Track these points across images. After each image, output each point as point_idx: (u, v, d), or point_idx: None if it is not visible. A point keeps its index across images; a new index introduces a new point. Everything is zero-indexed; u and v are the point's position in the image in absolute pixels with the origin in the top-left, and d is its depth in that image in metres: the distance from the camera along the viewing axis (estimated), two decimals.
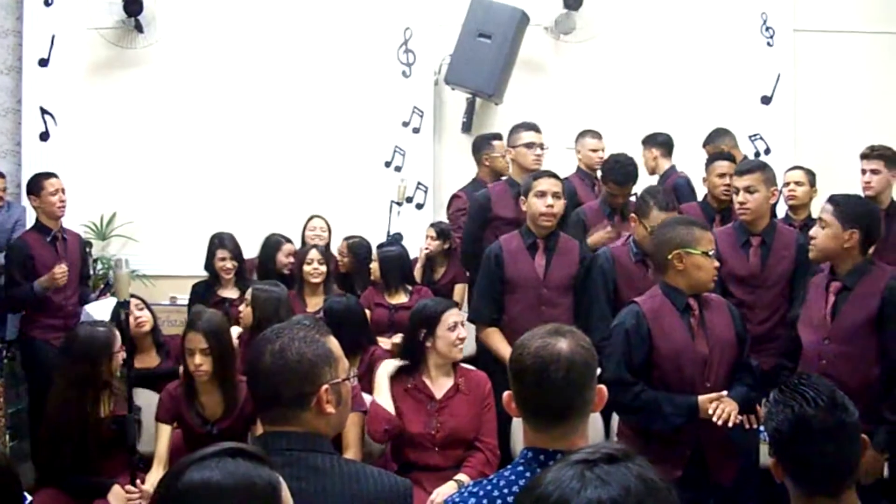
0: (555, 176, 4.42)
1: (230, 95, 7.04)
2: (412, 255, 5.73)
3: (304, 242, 5.94)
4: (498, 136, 5.83)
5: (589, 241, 4.82)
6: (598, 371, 3.90)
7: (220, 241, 5.32)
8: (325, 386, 1.94)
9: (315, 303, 5.10)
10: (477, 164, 5.99)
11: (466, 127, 7.01)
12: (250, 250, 5.71)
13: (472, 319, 4.49)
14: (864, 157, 4.83)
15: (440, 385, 3.76)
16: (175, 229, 6.88)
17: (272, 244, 5.60)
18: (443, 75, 6.92)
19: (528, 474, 1.92)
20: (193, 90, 7.05)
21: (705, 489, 3.40)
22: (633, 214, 4.30)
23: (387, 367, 3.85)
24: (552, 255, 4.37)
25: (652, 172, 5.95)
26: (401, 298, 5.21)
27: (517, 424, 3.60)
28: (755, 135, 6.93)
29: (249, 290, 4.49)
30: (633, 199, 5.00)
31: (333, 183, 6.96)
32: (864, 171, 4.81)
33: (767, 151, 6.87)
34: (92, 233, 6.71)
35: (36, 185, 5.30)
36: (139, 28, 6.89)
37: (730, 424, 3.30)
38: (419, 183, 6.97)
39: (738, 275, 4.15)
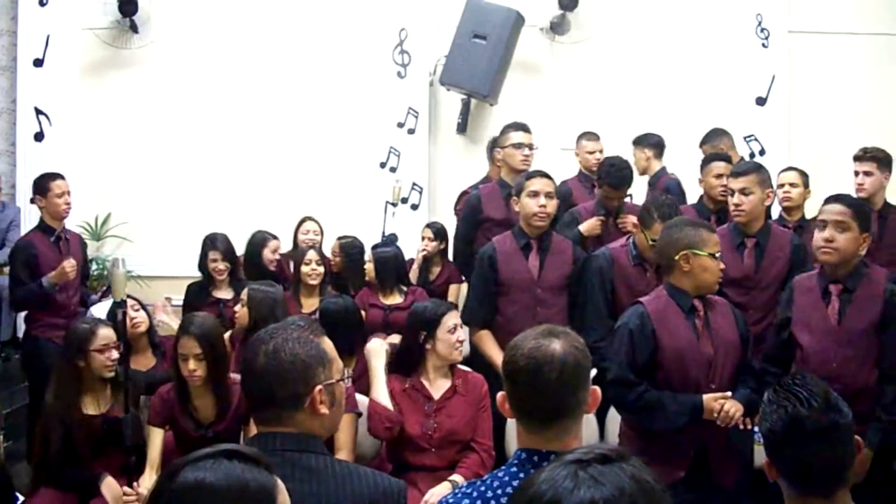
0: (547, 176, 4.41)
1: (225, 96, 7.05)
2: (408, 256, 5.73)
3: (296, 244, 5.94)
4: None
5: (581, 228, 4.82)
6: (595, 372, 3.94)
7: (213, 243, 5.31)
8: (319, 387, 1.94)
9: (311, 304, 5.10)
10: (490, 162, 5.99)
11: (461, 128, 7.03)
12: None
13: (466, 321, 4.48)
14: (857, 158, 4.84)
15: (438, 386, 3.76)
16: (170, 230, 6.88)
17: (258, 241, 5.62)
18: (438, 76, 6.93)
19: (521, 475, 1.92)
20: (188, 91, 7.05)
21: (707, 491, 3.40)
22: (635, 222, 4.30)
23: (380, 356, 3.83)
24: (546, 256, 4.36)
25: (643, 173, 5.95)
26: (395, 299, 5.21)
27: (512, 425, 3.60)
28: (750, 136, 6.95)
29: (245, 291, 4.48)
30: (627, 201, 5.02)
31: (328, 183, 6.97)
32: (856, 173, 4.82)
33: (762, 152, 6.88)
34: (87, 233, 6.71)
35: (42, 186, 5.35)
36: (134, 28, 6.90)
37: (739, 426, 3.32)
38: (414, 184, 6.98)
39: (732, 276, 4.15)
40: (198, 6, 7.12)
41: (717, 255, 3.46)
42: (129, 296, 4.82)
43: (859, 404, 3.44)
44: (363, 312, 4.81)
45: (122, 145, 7.03)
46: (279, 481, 1.42)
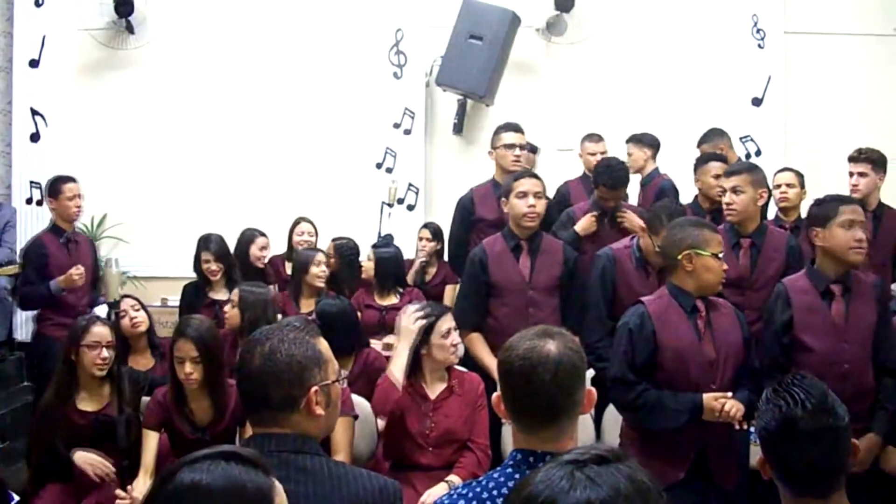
0: (535, 176, 4.40)
1: (221, 97, 7.05)
2: (404, 257, 5.73)
3: (290, 245, 5.94)
4: None
5: (577, 228, 4.81)
6: (593, 372, 3.94)
7: (205, 244, 5.31)
8: (315, 387, 1.94)
9: (308, 304, 5.09)
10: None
11: (458, 128, 7.03)
12: None
13: (456, 325, 4.46)
14: (851, 159, 4.86)
15: (434, 386, 3.76)
16: (166, 230, 6.88)
17: (246, 238, 5.68)
18: (434, 77, 6.93)
19: (517, 476, 1.92)
20: (184, 91, 7.05)
21: (708, 492, 3.40)
22: (643, 226, 4.28)
23: (410, 337, 3.58)
24: (536, 257, 4.35)
25: (638, 171, 5.95)
26: (391, 300, 5.21)
27: (508, 426, 3.60)
28: (746, 136, 6.95)
29: (235, 292, 4.47)
30: (623, 202, 5.01)
31: (324, 184, 6.97)
32: (851, 174, 4.84)
33: (758, 153, 6.89)
34: (83, 234, 6.69)
35: (55, 189, 5.45)
36: (130, 29, 6.89)
37: (736, 425, 3.33)
38: (410, 184, 6.98)
39: (728, 276, 4.15)
40: (194, 7, 7.11)
41: (720, 255, 3.46)
42: (129, 295, 4.86)
43: (864, 401, 3.51)
44: (359, 313, 4.82)
45: (118, 146, 7.02)
46: (276, 483, 1.42)
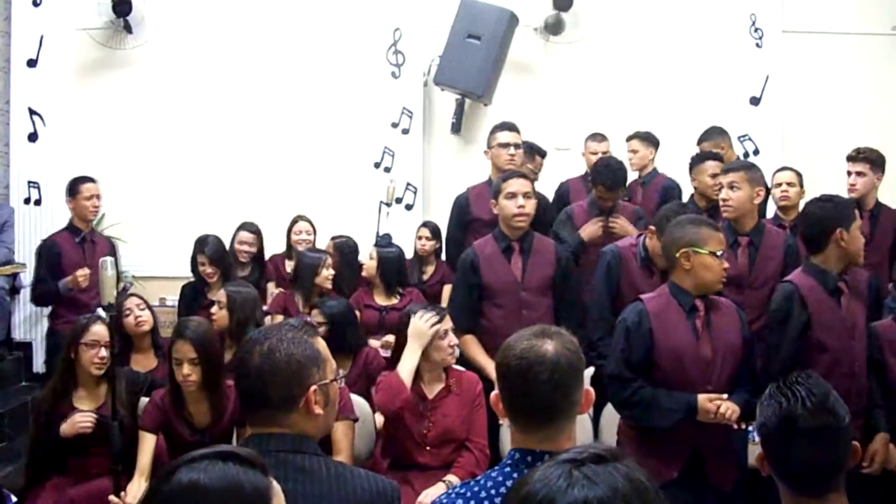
0: (524, 176, 4.38)
1: (219, 96, 7.04)
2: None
3: (289, 244, 5.94)
4: None
5: (583, 235, 4.80)
6: (592, 371, 3.93)
7: (201, 247, 5.29)
8: (314, 387, 1.94)
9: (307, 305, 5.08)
10: None
11: (456, 128, 7.03)
12: None
13: None
14: (849, 159, 4.86)
15: (433, 387, 3.76)
16: (164, 230, 6.88)
17: (233, 235, 5.74)
18: (432, 76, 6.93)
19: (515, 475, 1.92)
20: (182, 91, 7.05)
21: (703, 492, 3.39)
22: (651, 227, 4.22)
23: (421, 338, 3.65)
24: (528, 258, 4.33)
25: (641, 169, 5.95)
26: (391, 300, 5.20)
27: (506, 425, 3.60)
28: (744, 135, 6.95)
29: (222, 293, 4.44)
30: (621, 202, 5.01)
31: (323, 184, 6.97)
32: (849, 174, 4.84)
33: (756, 152, 6.89)
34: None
35: (73, 189, 5.58)
36: (128, 29, 6.89)
37: (733, 425, 3.32)
38: (408, 184, 6.98)
39: (726, 275, 4.16)
40: (192, 7, 7.11)
41: (720, 253, 3.44)
42: (134, 294, 4.86)
43: (863, 399, 3.54)
44: (358, 313, 4.81)
45: (116, 146, 7.02)
46: (274, 483, 1.42)
